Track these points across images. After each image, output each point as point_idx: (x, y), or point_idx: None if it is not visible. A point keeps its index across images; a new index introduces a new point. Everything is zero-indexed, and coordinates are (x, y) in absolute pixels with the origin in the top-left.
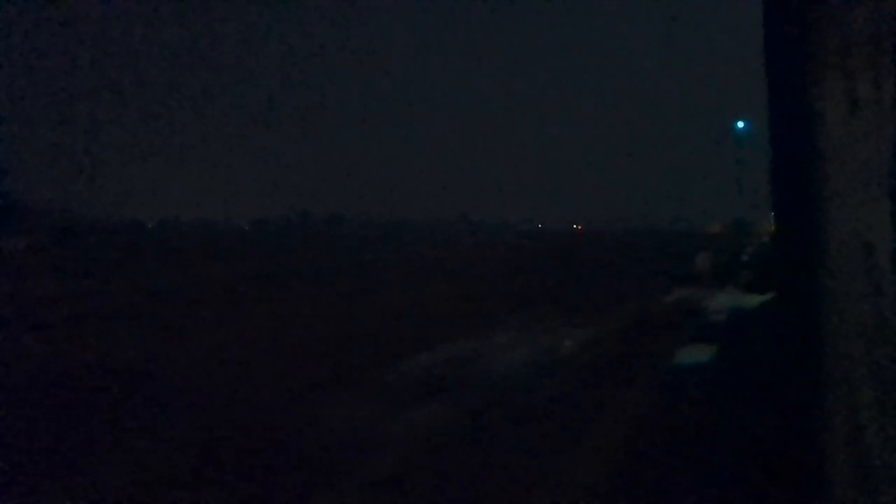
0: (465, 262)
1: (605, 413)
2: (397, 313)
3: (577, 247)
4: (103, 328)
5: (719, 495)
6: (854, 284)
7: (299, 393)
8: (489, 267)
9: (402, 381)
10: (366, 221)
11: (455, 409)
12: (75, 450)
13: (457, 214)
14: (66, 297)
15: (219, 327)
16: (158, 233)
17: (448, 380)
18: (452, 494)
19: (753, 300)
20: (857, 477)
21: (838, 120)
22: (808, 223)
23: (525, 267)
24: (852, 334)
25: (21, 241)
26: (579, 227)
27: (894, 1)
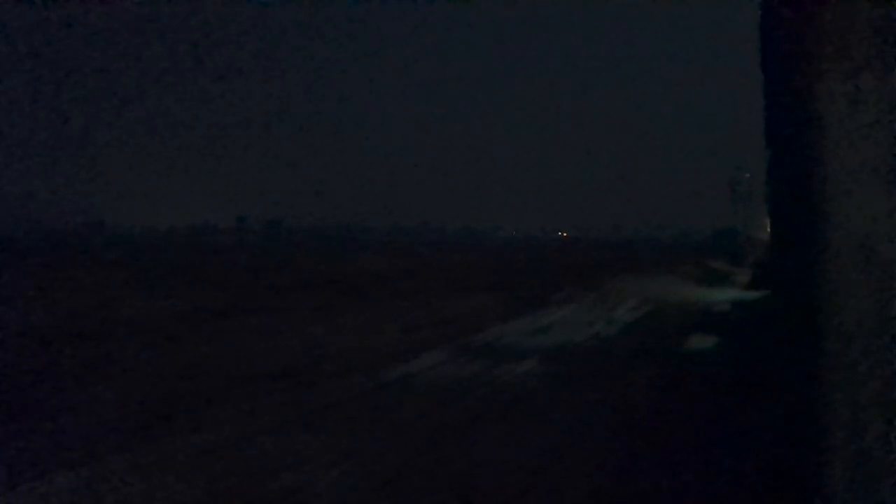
0: None
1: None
2: None
3: (487, 262)
4: None
5: (719, 495)
6: (855, 283)
7: None
8: None
9: None
10: (308, 227)
11: None
12: None
13: (418, 221)
14: None
15: None
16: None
17: None
18: None
19: (754, 295)
20: (856, 477)
21: (840, 114)
22: (807, 222)
23: None
24: (853, 333)
25: None
26: (564, 234)
27: None
